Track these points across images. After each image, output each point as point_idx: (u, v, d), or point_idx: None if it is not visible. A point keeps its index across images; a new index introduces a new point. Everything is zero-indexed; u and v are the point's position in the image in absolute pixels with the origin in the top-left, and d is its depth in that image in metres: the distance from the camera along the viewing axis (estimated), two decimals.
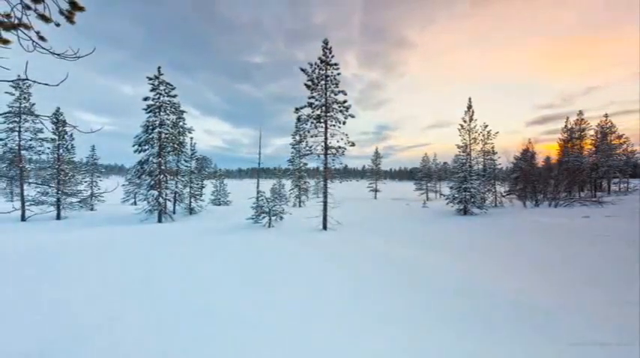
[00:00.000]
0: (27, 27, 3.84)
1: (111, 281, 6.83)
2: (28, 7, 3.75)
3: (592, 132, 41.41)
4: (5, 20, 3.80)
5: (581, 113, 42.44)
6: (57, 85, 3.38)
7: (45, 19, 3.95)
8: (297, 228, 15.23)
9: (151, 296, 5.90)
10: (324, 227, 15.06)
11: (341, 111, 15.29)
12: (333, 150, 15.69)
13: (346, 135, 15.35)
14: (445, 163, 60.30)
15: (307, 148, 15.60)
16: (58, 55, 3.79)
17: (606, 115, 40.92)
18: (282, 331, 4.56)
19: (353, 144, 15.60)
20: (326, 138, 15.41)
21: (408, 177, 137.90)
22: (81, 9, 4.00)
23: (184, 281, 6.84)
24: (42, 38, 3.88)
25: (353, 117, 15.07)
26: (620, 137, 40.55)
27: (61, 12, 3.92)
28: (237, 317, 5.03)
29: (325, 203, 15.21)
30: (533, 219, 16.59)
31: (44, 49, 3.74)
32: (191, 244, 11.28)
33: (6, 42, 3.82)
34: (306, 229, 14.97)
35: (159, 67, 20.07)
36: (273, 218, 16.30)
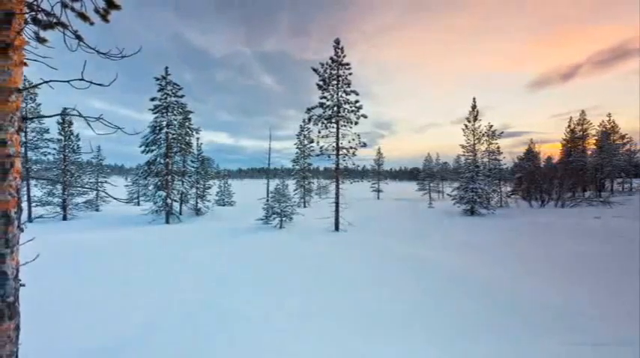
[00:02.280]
0: (65, 26, 3.74)
1: (140, 286, 6.71)
2: (66, 5, 3.64)
3: (594, 132, 41.42)
4: (45, 19, 3.70)
5: (583, 113, 42.51)
6: (108, 85, 3.28)
7: (84, 17, 3.85)
8: (309, 229, 15.12)
9: (183, 300, 5.79)
10: (336, 228, 14.96)
11: (353, 111, 15.20)
12: (344, 151, 15.61)
13: (358, 135, 15.27)
14: (445, 163, 60.26)
15: (319, 148, 15.50)
16: (104, 54, 3.69)
17: (609, 115, 41.00)
18: (319, 340, 4.47)
19: (364, 145, 15.52)
20: (338, 139, 15.32)
21: (409, 177, 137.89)
22: (117, 7, 3.91)
23: (213, 284, 6.73)
24: (79, 37, 3.79)
25: (365, 117, 14.99)
26: (623, 137, 40.62)
27: (96, 10, 3.83)
28: (272, 323, 4.93)
29: (337, 204, 15.11)
30: (549, 221, 16.47)
31: (90, 47, 3.64)
32: (207, 246, 11.16)
33: (43, 41, 3.71)
34: (317, 230, 14.87)
35: (166, 67, 19.93)
36: (283, 219, 16.19)
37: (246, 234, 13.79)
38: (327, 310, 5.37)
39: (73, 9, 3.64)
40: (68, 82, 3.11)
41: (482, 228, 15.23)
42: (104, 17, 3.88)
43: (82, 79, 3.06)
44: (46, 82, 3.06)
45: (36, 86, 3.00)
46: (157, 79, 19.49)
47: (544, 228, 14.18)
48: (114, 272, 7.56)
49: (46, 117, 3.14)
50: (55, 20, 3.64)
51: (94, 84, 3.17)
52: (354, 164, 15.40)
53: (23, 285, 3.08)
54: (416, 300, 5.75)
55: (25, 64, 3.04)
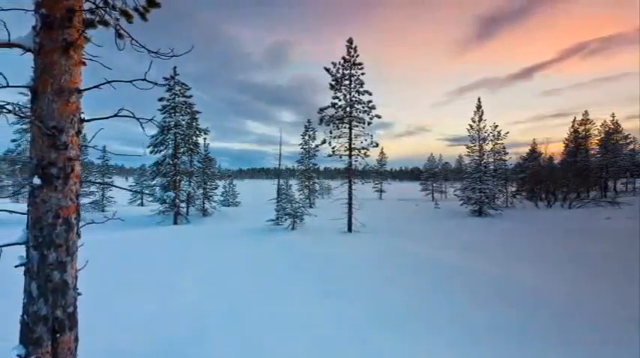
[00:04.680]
0: (106, 24, 3.63)
1: (172, 289, 6.57)
2: (107, 3, 3.53)
3: (596, 132, 41.39)
4: (89, 17, 3.58)
5: (586, 113, 42.49)
6: (164, 85, 3.17)
7: (126, 15, 3.74)
8: (321, 230, 14.98)
9: (221, 307, 5.67)
10: (349, 229, 14.85)
11: (365, 111, 15.09)
12: (356, 151, 15.51)
13: (371, 136, 15.17)
14: (447, 163, 60.18)
15: (331, 149, 15.39)
16: (155, 53, 3.59)
17: (613, 115, 41.02)
18: (362, 345, 4.36)
19: (376, 145, 15.43)
20: (350, 139, 15.21)
21: (409, 177, 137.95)
22: (157, 5, 3.80)
23: (245, 288, 6.61)
24: (120, 35, 3.67)
25: (379, 117, 14.89)
26: (626, 137, 40.64)
27: (135, 8, 3.72)
28: (314, 329, 4.82)
29: (350, 204, 15.01)
30: (564, 223, 16.31)
31: (142, 46, 3.53)
32: (224, 248, 11.03)
33: (86, 40, 3.59)
34: (330, 231, 14.73)
35: (174, 67, 19.72)
36: (294, 220, 16.05)
37: (259, 236, 13.66)
38: (367, 315, 5.26)
39: (114, 7, 3.53)
40: (131, 82, 2.99)
41: (500, 230, 15.11)
42: (143, 16, 3.77)
43: (144, 79, 2.94)
44: (109, 82, 2.94)
45: (97, 86, 2.87)
46: (166, 79, 19.31)
47: (565, 230, 13.96)
48: (140, 276, 7.43)
49: (103, 119, 3.00)
50: (98, 18, 3.54)
51: (157, 84, 3.06)
52: (367, 164, 15.32)
53: (80, 294, 2.96)
54: (461, 309, 5.62)
55: (84, 64, 2.91)
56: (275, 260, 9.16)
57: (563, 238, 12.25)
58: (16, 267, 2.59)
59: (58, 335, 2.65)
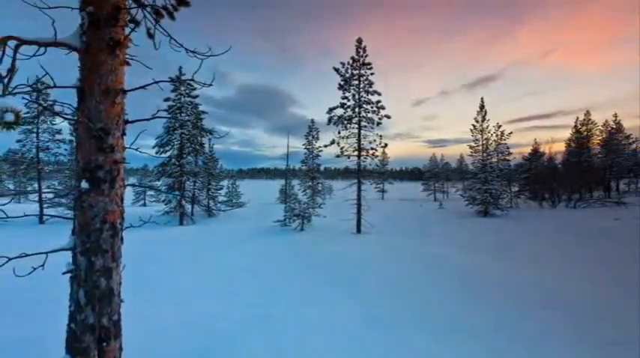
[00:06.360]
0: (136, 23, 3.56)
1: (188, 292, 6.49)
2: (139, 2, 3.46)
3: (597, 132, 41.39)
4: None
5: (588, 113, 42.50)
6: (210, 85, 3.06)
7: (157, 13, 3.66)
8: (330, 231, 14.89)
9: (240, 312, 5.58)
10: (358, 230, 14.76)
11: (374, 111, 15.01)
12: (364, 152, 15.43)
13: (380, 136, 15.07)
14: (447, 163, 60.15)
15: (339, 150, 15.30)
16: (193, 52, 3.52)
17: (615, 115, 41.04)
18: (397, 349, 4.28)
19: (385, 145, 15.35)
20: (359, 140, 15.13)
21: (409, 177, 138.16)
22: (187, 4, 3.72)
23: (266, 294, 6.53)
24: (151, 35, 3.60)
25: (389, 117, 14.81)
26: (628, 137, 40.66)
27: (164, 7, 3.64)
28: (348, 332, 4.74)
29: (359, 205, 14.93)
30: (577, 223, 16.18)
31: (180, 44, 3.46)
32: (235, 249, 10.94)
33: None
34: (339, 232, 14.64)
35: (180, 67, 19.56)
36: (303, 221, 15.95)
37: (269, 237, 13.56)
38: (396, 318, 5.19)
39: (144, 5, 3.46)
40: (173, 81, 2.91)
41: (513, 231, 15.01)
42: (171, 15, 3.70)
43: (192, 80, 2.86)
44: (157, 82, 2.86)
45: (143, 87, 2.78)
46: (172, 79, 19.18)
47: (582, 230, 13.75)
48: (157, 280, 7.34)
49: (145, 120, 2.92)
50: (129, 17, 3.47)
51: (205, 85, 2.97)
52: (377, 165, 15.23)
53: (123, 301, 2.87)
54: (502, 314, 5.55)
55: (128, 64, 2.83)
56: (290, 263, 9.06)
57: (585, 239, 12.01)
58: (64, 273, 2.50)
59: (104, 344, 2.57)
